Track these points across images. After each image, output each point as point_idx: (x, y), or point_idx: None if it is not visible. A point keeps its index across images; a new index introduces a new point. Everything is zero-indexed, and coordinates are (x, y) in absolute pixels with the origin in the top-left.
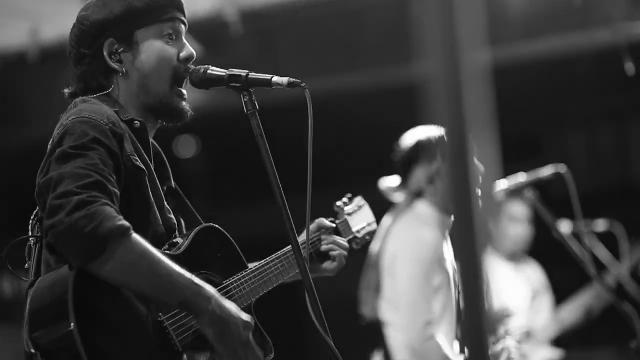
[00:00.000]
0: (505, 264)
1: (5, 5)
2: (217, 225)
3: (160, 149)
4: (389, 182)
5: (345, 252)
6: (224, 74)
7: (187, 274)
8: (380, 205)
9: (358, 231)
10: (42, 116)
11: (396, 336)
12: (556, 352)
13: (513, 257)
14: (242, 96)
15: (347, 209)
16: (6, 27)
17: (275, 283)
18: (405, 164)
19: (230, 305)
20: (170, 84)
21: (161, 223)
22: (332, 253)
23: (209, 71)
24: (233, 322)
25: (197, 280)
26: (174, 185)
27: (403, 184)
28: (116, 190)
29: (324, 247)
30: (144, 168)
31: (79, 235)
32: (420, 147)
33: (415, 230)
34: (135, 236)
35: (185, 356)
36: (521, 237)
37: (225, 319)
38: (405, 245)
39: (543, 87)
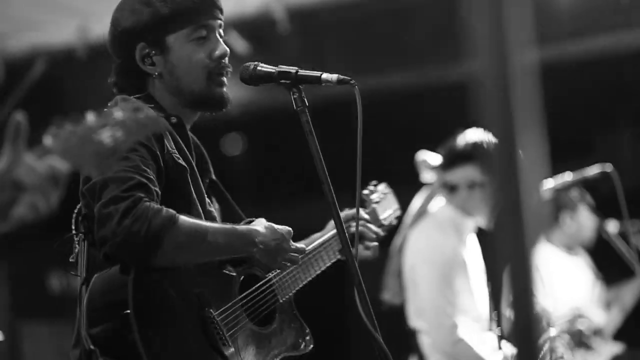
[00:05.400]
0: (564, 255)
1: (55, 3)
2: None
3: (199, 142)
4: (429, 158)
5: (375, 236)
6: (273, 70)
7: (230, 228)
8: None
9: (385, 219)
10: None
11: (427, 342)
12: (619, 346)
13: (570, 248)
14: (291, 93)
15: (374, 197)
16: (55, 24)
17: (315, 272)
18: (456, 156)
19: (268, 230)
20: (205, 83)
21: (203, 217)
22: (367, 236)
23: (258, 68)
24: (278, 243)
25: (240, 229)
26: (214, 178)
27: (441, 170)
28: (157, 190)
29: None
30: (186, 165)
31: (137, 241)
32: (480, 151)
33: (430, 238)
34: (182, 219)
35: (233, 350)
36: (590, 228)
37: (272, 247)
38: (422, 253)
39: (591, 87)
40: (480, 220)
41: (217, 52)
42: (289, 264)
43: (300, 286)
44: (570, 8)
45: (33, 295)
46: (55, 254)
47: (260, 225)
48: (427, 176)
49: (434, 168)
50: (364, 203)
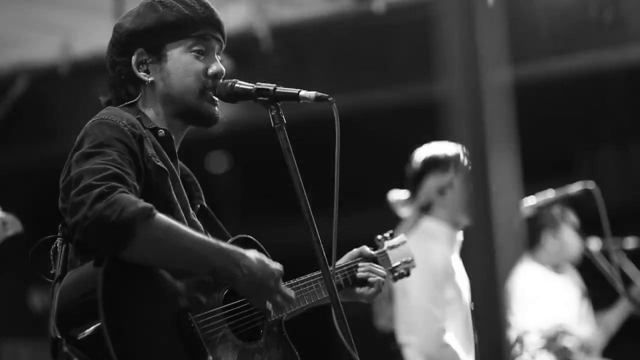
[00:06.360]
0: (549, 274)
1: (37, 20)
2: (251, 237)
3: (189, 171)
4: (398, 195)
5: (382, 279)
6: (251, 87)
7: (214, 242)
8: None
9: (397, 265)
10: (72, 130)
11: (414, 356)
12: None
13: (556, 267)
14: (269, 110)
15: (388, 242)
16: (38, 41)
17: (305, 303)
18: (416, 176)
19: (258, 261)
20: (198, 95)
21: (187, 224)
22: (370, 279)
23: (236, 85)
24: (265, 278)
25: (224, 246)
26: (205, 205)
27: (412, 198)
28: (135, 184)
29: (360, 274)
30: (166, 169)
31: (107, 226)
32: (433, 160)
33: (422, 246)
34: (159, 215)
35: (211, 357)
36: (574, 245)
37: (258, 279)
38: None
39: (574, 104)
40: (464, 222)
41: (213, 69)
42: (273, 311)
43: (292, 310)
44: (554, 26)
45: (14, 314)
46: (37, 271)
47: (251, 252)
48: (404, 211)
49: (406, 200)
50: (377, 246)
